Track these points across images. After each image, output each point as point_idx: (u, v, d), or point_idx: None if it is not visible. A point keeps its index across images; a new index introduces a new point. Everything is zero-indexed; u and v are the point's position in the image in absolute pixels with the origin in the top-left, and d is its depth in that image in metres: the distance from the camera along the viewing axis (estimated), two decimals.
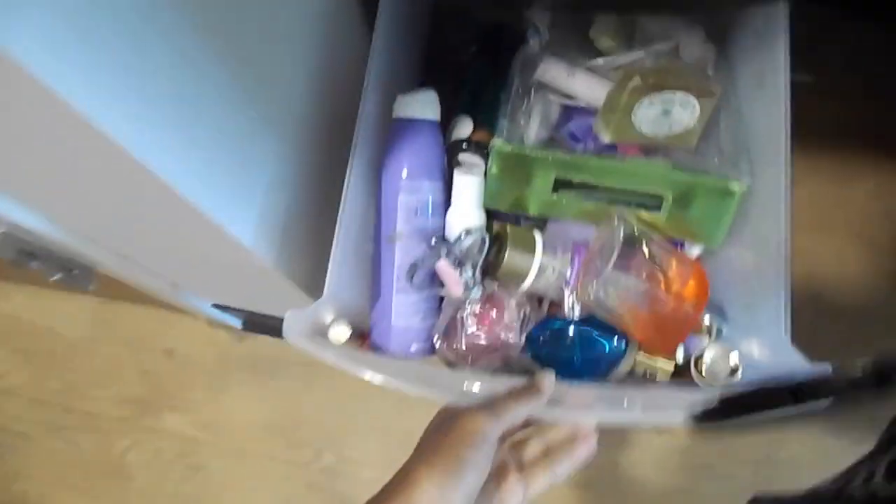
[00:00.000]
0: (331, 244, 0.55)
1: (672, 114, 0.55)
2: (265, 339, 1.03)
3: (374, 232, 0.59)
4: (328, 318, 0.54)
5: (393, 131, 0.58)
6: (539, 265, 0.55)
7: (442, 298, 0.59)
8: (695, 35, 0.60)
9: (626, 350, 0.57)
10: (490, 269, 0.57)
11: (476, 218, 0.58)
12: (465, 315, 0.57)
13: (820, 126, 0.72)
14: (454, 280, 0.56)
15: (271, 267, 0.58)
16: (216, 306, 0.91)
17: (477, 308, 0.57)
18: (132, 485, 1.03)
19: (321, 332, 0.54)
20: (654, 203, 0.57)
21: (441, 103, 0.59)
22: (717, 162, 0.56)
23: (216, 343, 1.06)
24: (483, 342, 0.56)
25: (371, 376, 0.46)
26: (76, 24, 0.30)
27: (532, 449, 0.47)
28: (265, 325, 0.98)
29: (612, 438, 0.93)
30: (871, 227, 0.91)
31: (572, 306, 0.56)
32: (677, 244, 0.59)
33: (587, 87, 0.59)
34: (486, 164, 0.58)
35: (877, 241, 0.91)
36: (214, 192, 0.46)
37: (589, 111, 0.60)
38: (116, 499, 1.03)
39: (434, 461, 0.40)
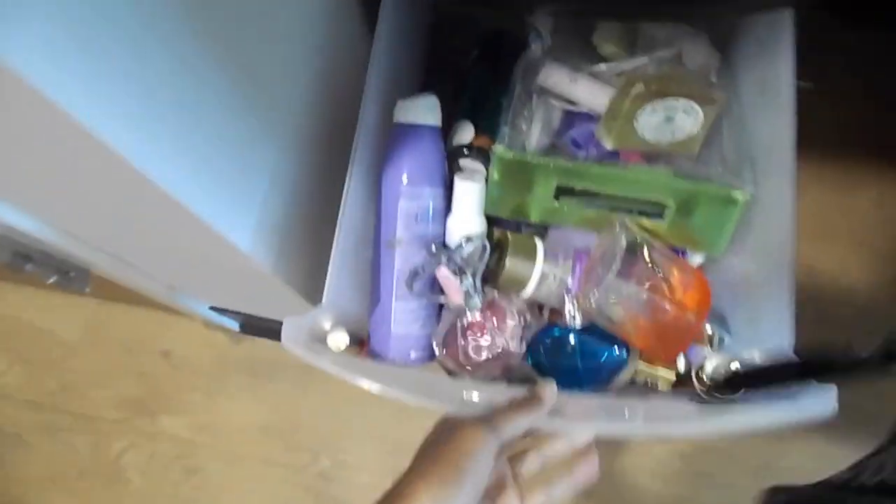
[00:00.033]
0: (330, 249, 0.54)
1: (675, 121, 0.54)
2: (263, 342, 1.03)
3: (373, 238, 0.59)
4: (327, 325, 0.54)
5: (393, 137, 0.57)
6: (540, 273, 0.55)
7: (442, 306, 0.59)
8: (698, 42, 0.60)
9: (627, 359, 0.57)
10: (490, 277, 0.56)
11: (477, 225, 0.58)
12: (465, 323, 0.56)
13: (821, 133, 0.71)
14: (454, 288, 0.55)
15: (270, 272, 0.57)
16: (213, 309, 0.90)
17: (477, 316, 0.56)
18: (128, 487, 1.03)
19: (320, 339, 0.53)
20: (655, 211, 0.56)
21: (442, 108, 0.59)
22: (720, 170, 0.55)
23: (213, 345, 1.05)
24: (483, 350, 0.56)
25: (369, 385, 0.46)
26: (77, 34, 0.30)
27: (530, 464, 0.46)
28: (263, 328, 0.98)
29: (612, 445, 0.93)
30: (875, 235, 0.91)
31: (573, 314, 0.56)
32: (679, 252, 0.59)
33: (589, 93, 0.59)
34: (487, 171, 0.57)
35: (880, 250, 0.91)
36: (213, 199, 0.46)
37: (591, 117, 0.59)
38: (112, 502, 1.02)
39: (431, 473, 0.39)
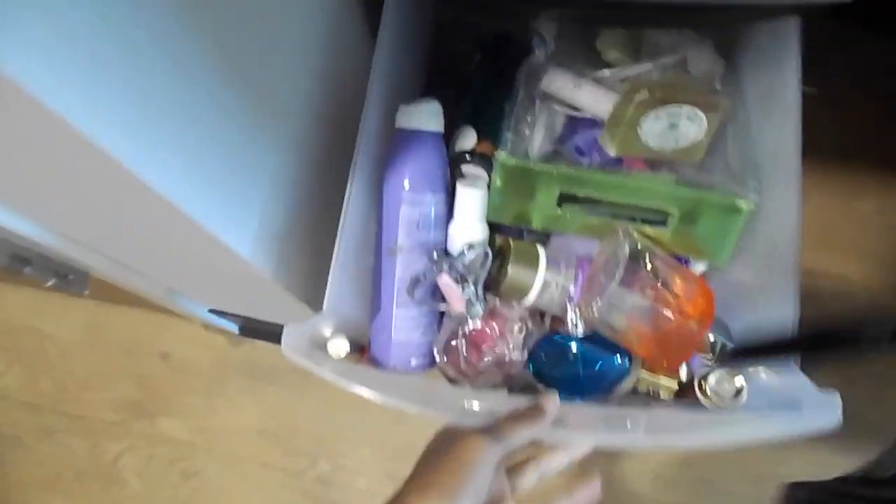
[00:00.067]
0: (331, 255, 0.54)
1: (679, 128, 0.54)
2: (262, 345, 1.02)
3: (374, 244, 0.58)
4: (327, 332, 0.54)
5: (395, 142, 0.57)
6: (542, 281, 0.54)
7: (443, 313, 0.58)
8: (703, 48, 0.60)
9: (629, 367, 0.56)
10: (492, 285, 0.56)
11: (479, 231, 0.57)
12: (466, 330, 0.56)
13: (824, 139, 0.71)
14: (456, 296, 0.55)
15: (270, 278, 0.57)
16: (213, 311, 0.90)
17: (479, 323, 0.56)
18: (126, 490, 1.02)
19: (320, 346, 0.53)
20: (659, 219, 0.56)
21: (444, 114, 0.58)
22: (725, 178, 0.55)
23: (212, 347, 1.05)
24: (484, 358, 0.55)
25: (369, 394, 0.45)
26: (75, 42, 0.30)
27: (528, 478, 0.45)
28: (262, 331, 0.97)
29: (612, 451, 0.92)
30: (877, 242, 0.91)
31: (575, 322, 0.55)
32: (682, 261, 0.59)
33: (593, 99, 0.58)
34: (490, 177, 0.57)
35: (883, 257, 0.90)
36: (213, 205, 0.46)
37: (594, 123, 0.59)
38: None
39: (432, 483, 0.39)
